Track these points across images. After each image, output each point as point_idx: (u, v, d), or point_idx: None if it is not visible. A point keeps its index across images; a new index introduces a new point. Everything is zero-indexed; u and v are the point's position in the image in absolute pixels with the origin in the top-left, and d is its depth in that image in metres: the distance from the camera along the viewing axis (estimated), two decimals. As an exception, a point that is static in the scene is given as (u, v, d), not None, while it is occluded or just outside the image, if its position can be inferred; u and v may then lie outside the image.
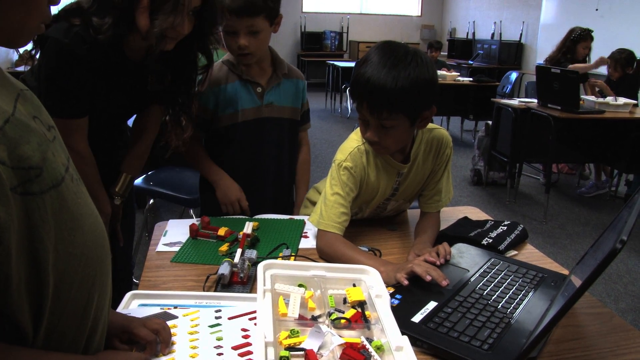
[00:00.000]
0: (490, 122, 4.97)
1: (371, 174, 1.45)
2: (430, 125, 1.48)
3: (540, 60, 8.09)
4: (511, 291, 1.19)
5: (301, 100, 1.85)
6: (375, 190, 1.48)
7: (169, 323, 1.02)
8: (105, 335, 0.87)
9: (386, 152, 1.42)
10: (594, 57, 5.11)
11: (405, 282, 1.17)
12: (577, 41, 4.99)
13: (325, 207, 1.41)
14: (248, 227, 1.43)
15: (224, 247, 1.37)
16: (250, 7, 1.55)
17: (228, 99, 1.71)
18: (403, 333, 0.94)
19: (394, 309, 1.03)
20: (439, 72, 6.58)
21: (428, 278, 1.16)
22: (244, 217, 1.66)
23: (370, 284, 1.10)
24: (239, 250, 1.29)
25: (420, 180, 1.53)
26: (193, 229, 1.45)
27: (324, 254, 1.39)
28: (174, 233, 1.49)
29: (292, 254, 1.37)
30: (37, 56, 1.41)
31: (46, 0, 0.70)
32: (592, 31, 5.02)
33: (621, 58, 4.83)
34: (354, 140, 1.47)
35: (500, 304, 1.12)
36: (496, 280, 1.24)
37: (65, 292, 0.70)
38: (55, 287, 0.68)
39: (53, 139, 0.73)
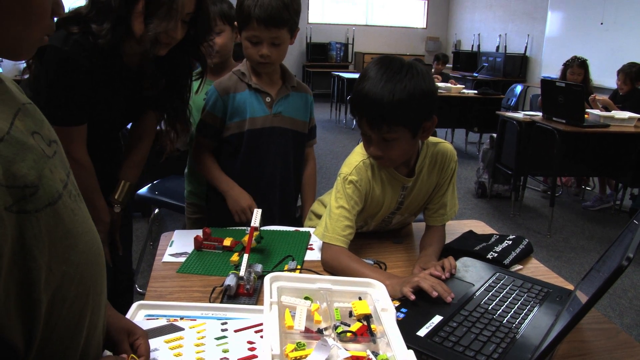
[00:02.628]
0: (494, 135, 4.98)
1: (376, 187, 1.46)
2: (434, 139, 1.50)
3: (546, 73, 8.13)
4: (516, 306, 1.19)
5: (309, 114, 1.88)
6: (380, 203, 1.49)
7: (175, 335, 1.03)
8: (107, 339, 0.87)
9: (392, 165, 1.43)
10: (597, 72, 5.18)
11: (412, 297, 1.17)
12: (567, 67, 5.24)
13: (330, 220, 1.42)
14: (256, 218, 1.40)
15: (235, 257, 1.37)
16: (279, 20, 1.59)
17: (237, 108, 1.74)
18: (409, 347, 0.94)
19: (400, 323, 1.03)
20: (445, 85, 6.60)
21: (434, 294, 1.16)
22: (246, 227, 1.66)
23: (376, 298, 1.10)
24: (245, 257, 1.28)
25: (425, 194, 1.54)
26: (198, 241, 1.46)
27: (329, 266, 1.39)
28: (180, 243, 1.50)
29: (298, 266, 1.37)
30: (34, 66, 1.43)
31: (50, 12, 0.70)
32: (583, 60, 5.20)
33: (631, 72, 4.84)
34: (359, 153, 1.47)
35: (506, 319, 1.13)
36: (501, 294, 1.24)
37: (57, 309, 0.69)
38: (47, 304, 0.67)
39: (53, 155, 0.72)
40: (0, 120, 0.64)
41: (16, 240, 0.61)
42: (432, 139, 1.49)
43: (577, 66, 5.13)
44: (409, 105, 1.26)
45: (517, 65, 9.34)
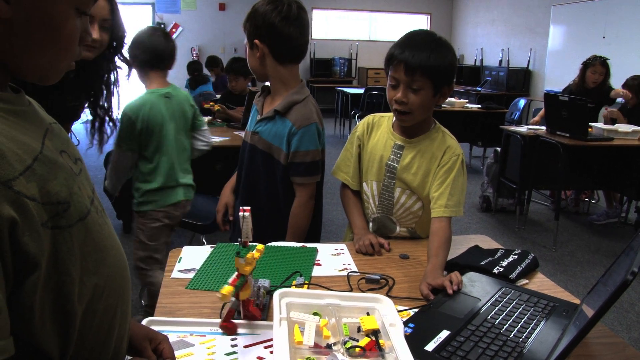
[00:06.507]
0: (499, 149, 4.99)
1: (373, 134, 1.77)
2: (449, 133, 1.72)
3: (549, 87, 8.15)
4: (523, 320, 1.19)
5: (288, 145, 1.77)
6: (375, 150, 1.75)
7: (185, 351, 1.04)
8: (130, 347, 0.89)
9: (411, 120, 1.63)
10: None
11: (431, 295, 1.32)
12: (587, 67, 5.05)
13: (339, 159, 1.85)
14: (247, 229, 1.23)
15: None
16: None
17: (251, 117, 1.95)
18: (417, 362, 0.95)
19: (407, 338, 1.04)
20: (449, 100, 6.64)
21: (430, 296, 1.31)
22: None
23: (383, 313, 1.11)
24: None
25: (423, 173, 1.67)
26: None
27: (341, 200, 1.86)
28: (189, 260, 1.51)
29: (306, 282, 1.38)
30: None
31: (77, 41, 0.73)
32: (604, 58, 5.02)
33: (634, 84, 4.86)
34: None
35: (512, 333, 1.13)
36: (508, 309, 1.24)
37: (88, 322, 0.72)
38: (80, 318, 0.70)
39: (79, 172, 0.76)
40: (32, 140, 0.67)
41: (51, 255, 0.64)
42: (447, 131, 1.72)
43: (600, 64, 4.95)
44: (441, 64, 1.54)
45: (520, 79, 9.38)
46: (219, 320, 1.16)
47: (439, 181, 1.64)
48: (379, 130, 1.77)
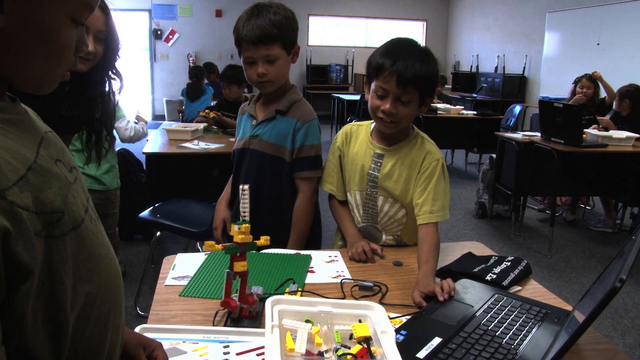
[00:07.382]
0: (494, 155, 5.00)
1: (353, 144, 1.77)
2: (428, 137, 1.72)
3: (544, 93, 8.19)
4: (515, 327, 1.20)
5: (293, 142, 1.81)
6: (355, 160, 1.74)
7: (178, 358, 1.05)
8: (124, 354, 0.89)
9: (397, 127, 1.62)
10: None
11: (424, 303, 1.32)
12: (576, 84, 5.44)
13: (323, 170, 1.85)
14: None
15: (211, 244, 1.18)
16: (266, 37, 1.66)
17: (239, 128, 1.93)
18: (408, 369, 0.96)
19: (399, 345, 1.05)
20: (445, 106, 6.66)
21: (423, 304, 1.31)
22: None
23: (375, 320, 1.11)
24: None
25: (405, 181, 1.67)
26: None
27: (331, 211, 1.86)
28: (183, 267, 1.52)
29: (299, 289, 1.39)
30: None
31: (73, 50, 0.73)
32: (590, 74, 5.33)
33: (622, 91, 4.90)
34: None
35: (505, 340, 1.14)
36: (500, 316, 1.25)
37: (80, 329, 0.72)
38: (72, 325, 0.70)
39: (74, 181, 0.76)
40: (26, 149, 0.67)
41: (44, 264, 0.64)
42: (426, 136, 1.72)
43: (586, 80, 5.27)
44: (430, 75, 1.55)
45: (515, 86, 9.42)
46: (212, 328, 1.16)
47: (421, 187, 1.64)
48: (358, 140, 1.77)
